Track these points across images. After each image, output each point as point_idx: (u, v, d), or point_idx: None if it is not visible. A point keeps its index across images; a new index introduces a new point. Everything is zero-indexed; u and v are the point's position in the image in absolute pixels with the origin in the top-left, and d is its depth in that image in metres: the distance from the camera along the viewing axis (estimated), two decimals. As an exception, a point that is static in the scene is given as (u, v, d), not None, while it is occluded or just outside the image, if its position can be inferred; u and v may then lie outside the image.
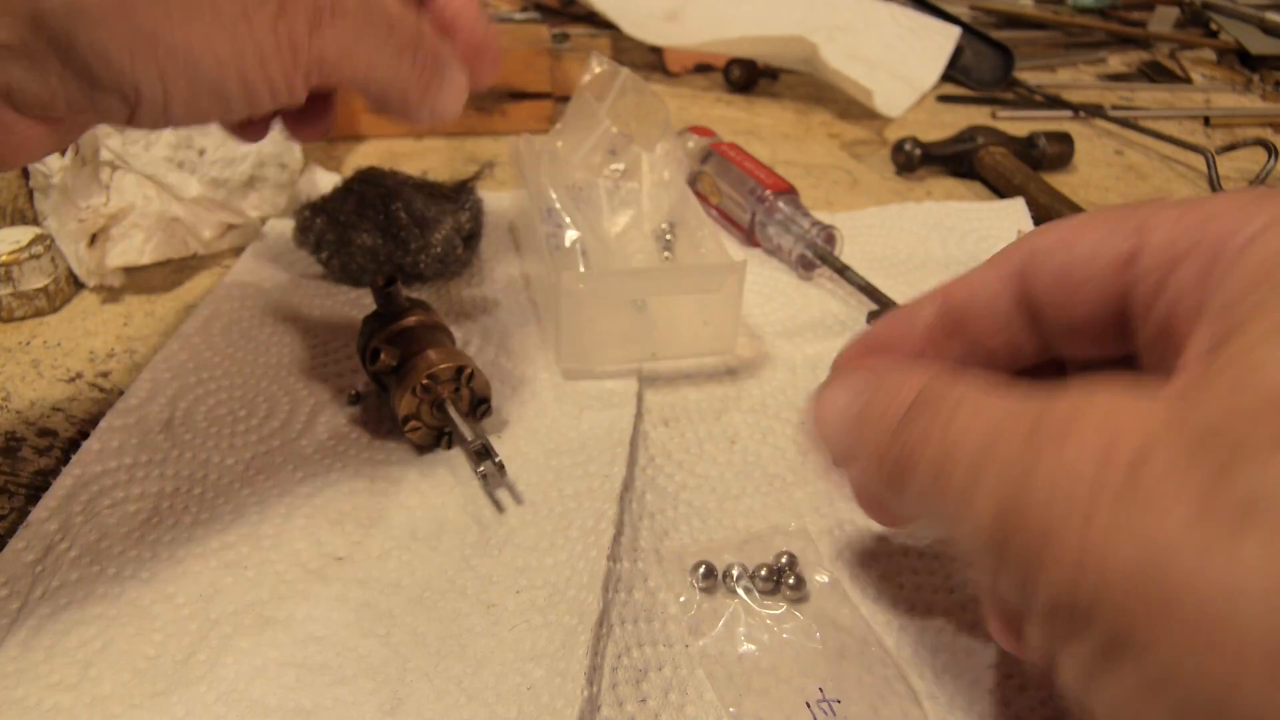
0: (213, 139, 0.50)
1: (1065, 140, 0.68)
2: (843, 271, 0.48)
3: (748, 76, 0.83)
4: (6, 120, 0.23)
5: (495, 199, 0.54)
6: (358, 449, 0.37)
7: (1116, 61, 1.01)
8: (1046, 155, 0.67)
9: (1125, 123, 0.78)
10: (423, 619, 0.29)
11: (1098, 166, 0.71)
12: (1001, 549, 0.18)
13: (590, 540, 0.32)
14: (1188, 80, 0.95)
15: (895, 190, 0.64)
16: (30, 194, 0.48)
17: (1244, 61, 0.99)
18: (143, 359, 0.42)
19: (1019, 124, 0.76)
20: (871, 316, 0.46)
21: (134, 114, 0.24)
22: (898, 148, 0.66)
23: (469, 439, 0.34)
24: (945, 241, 0.55)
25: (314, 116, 0.32)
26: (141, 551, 0.31)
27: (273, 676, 0.27)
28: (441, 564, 0.31)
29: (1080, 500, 0.16)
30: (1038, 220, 0.58)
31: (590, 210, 0.47)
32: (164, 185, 0.46)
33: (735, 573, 0.31)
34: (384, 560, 0.32)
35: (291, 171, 0.53)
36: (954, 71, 0.87)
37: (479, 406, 0.37)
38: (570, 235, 0.42)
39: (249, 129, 0.32)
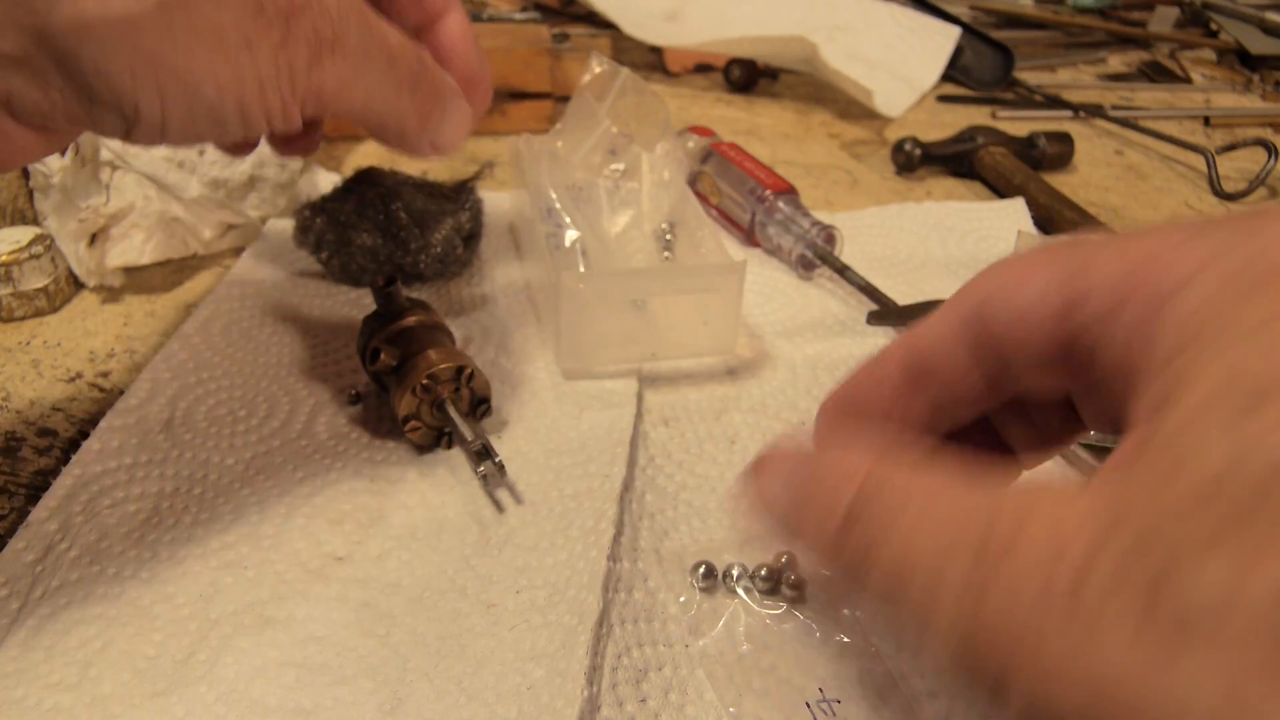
0: (213, 139, 0.49)
1: (1065, 140, 0.68)
2: (843, 271, 0.48)
3: (748, 76, 0.83)
4: (4, 127, 0.23)
5: (495, 199, 0.54)
6: (358, 449, 0.37)
7: (1116, 61, 1.01)
8: (1046, 155, 0.67)
9: (1125, 123, 0.78)
10: (423, 619, 0.29)
11: (1098, 166, 0.71)
12: (967, 670, 0.18)
13: (590, 540, 0.32)
14: (1188, 80, 0.95)
15: (895, 190, 0.64)
16: (30, 194, 0.48)
17: (1244, 61, 0.99)
18: (143, 359, 0.42)
19: (1019, 124, 0.76)
20: (871, 316, 0.46)
21: (131, 131, 0.24)
22: (898, 148, 0.66)
23: (469, 439, 0.34)
24: (945, 241, 0.55)
25: (302, 136, 0.33)
26: (141, 551, 0.31)
27: (273, 676, 0.27)
28: (441, 564, 0.31)
29: (1030, 629, 0.16)
30: (1038, 220, 0.58)
31: (590, 210, 0.47)
32: (164, 185, 0.46)
33: (735, 573, 0.31)
34: (384, 560, 0.32)
35: (291, 171, 0.53)
36: (954, 71, 0.87)
37: (479, 406, 0.37)
38: (570, 235, 0.42)
39: (238, 146, 0.33)
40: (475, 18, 0.85)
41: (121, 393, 0.38)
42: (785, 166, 0.67)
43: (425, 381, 0.35)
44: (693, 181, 0.57)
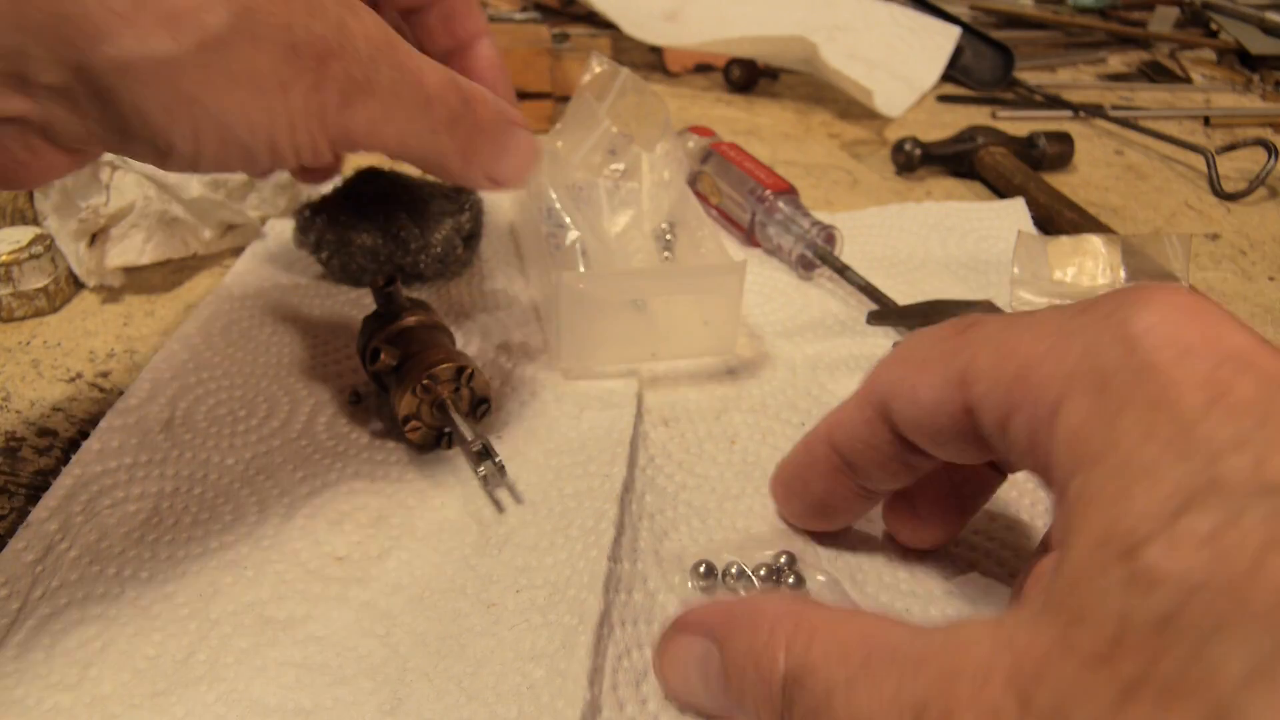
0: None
1: (1065, 140, 0.68)
2: (843, 271, 0.48)
3: (748, 76, 0.83)
4: (38, 149, 0.24)
5: (495, 199, 0.54)
6: (358, 449, 0.37)
7: (1116, 61, 1.01)
8: (1046, 155, 0.67)
9: (1125, 123, 0.78)
10: (423, 619, 0.29)
11: (1098, 166, 0.71)
12: None
13: (590, 540, 0.32)
14: (1188, 80, 0.95)
15: (895, 190, 0.64)
16: (30, 194, 0.48)
17: (1244, 61, 0.99)
18: (143, 359, 0.42)
19: (1019, 124, 0.76)
20: (871, 316, 0.46)
21: (163, 162, 0.25)
22: (898, 148, 0.66)
23: (469, 439, 0.34)
24: (945, 241, 0.55)
25: (319, 166, 0.33)
26: (141, 551, 0.31)
27: (273, 676, 0.27)
28: (441, 564, 0.31)
29: None
30: (1038, 220, 0.58)
31: (590, 210, 0.47)
32: (164, 185, 0.46)
33: (734, 571, 0.31)
34: (384, 560, 0.32)
35: (291, 171, 0.53)
36: (954, 71, 0.87)
37: (479, 406, 0.37)
38: (570, 235, 0.42)
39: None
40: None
41: (121, 393, 0.38)
42: (785, 166, 0.67)
43: (425, 381, 0.35)
44: (693, 181, 0.57)
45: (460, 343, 0.43)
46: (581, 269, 0.42)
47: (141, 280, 0.48)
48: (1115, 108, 0.82)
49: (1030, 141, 0.68)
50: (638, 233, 0.47)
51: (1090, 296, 0.22)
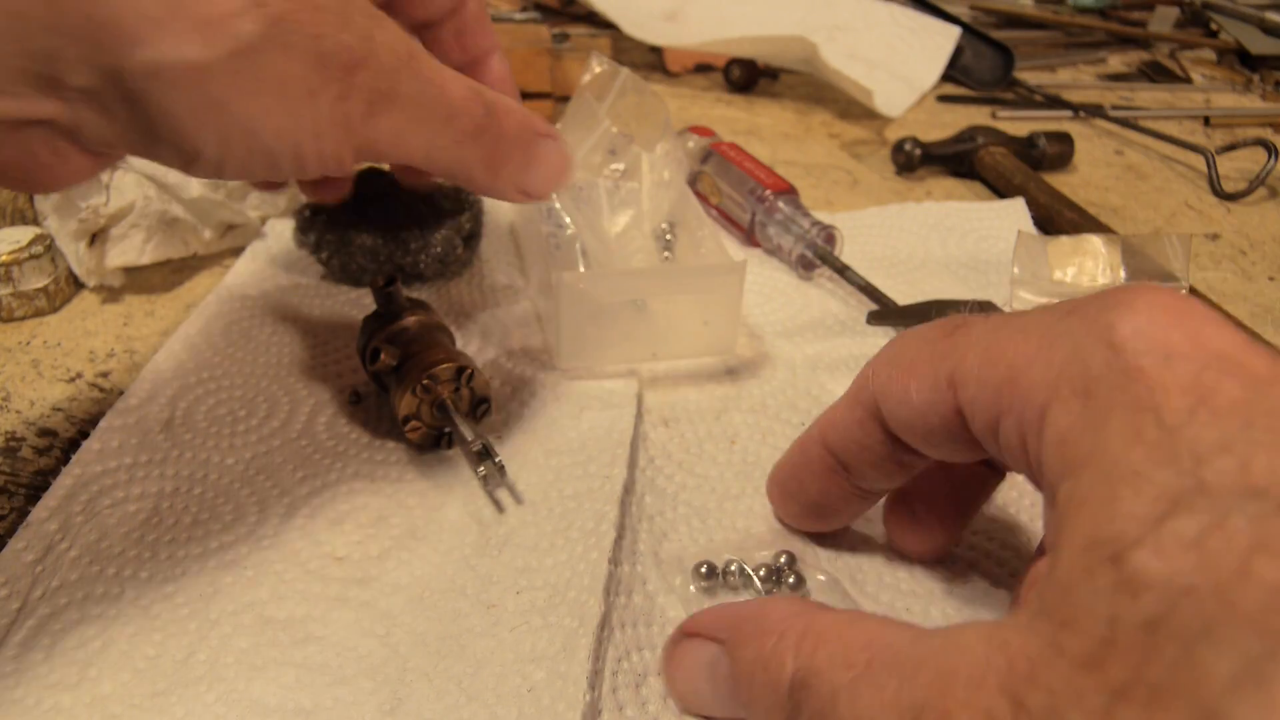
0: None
1: (1065, 140, 0.68)
2: (843, 271, 0.48)
3: (748, 76, 0.83)
4: (64, 152, 0.24)
5: (495, 199, 0.54)
6: (358, 449, 0.37)
7: (1116, 61, 1.01)
8: (1046, 155, 0.67)
9: (1125, 123, 0.78)
10: (423, 619, 0.29)
11: (1098, 166, 0.71)
12: None
13: (591, 542, 0.32)
14: (1188, 80, 0.95)
15: (895, 190, 0.64)
16: (30, 194, 0.48)
17: (1244, 61, 0.99)
18: (143, 359, 0.42)
19: (1019, 124, 0.76)
20: (871, 316, 0.46)
21: (188, 166, 0.25)
22: (898, 148, 0.66)
23: (469, 439, 0.34)
24: (945, 241, 0.55)
25: (333, 181, 0.34)
26: (141, 551, 0.31)
27: (273, 676, 0.27)
28: (441, 564, 0.31)
29: None
30: (1038, 220, 0.58)
31: (590, 210, 0.47)
32: (164, 185, 0.46)
33: (735, 570, 0.31)
34: (384, 560, 0.32)
35: (291, 171, 0.53)
36: (954, 71, 0.87)
37: (479, 406, 0.37)
38: (570, 235, 0.42)
39: (270, 183, 0.33)
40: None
41: (121, 393, 0.38)
42: (785, 166, 0.67)
43: (425, 381, 0.35)
44: (693, 181, 0.57)
45: (460, 343, 0.43)
46: (581, 269, 0.42)
47: (141, 280, 0.48)
48: (1115, 108, 0.82)
49: (1030, 141, 0.68)
50: (638, 233, 0.47)
51: (1079, 296, 0.22)
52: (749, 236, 0.53)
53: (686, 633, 0.26)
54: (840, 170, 0.67)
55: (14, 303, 0.44)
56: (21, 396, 0.39)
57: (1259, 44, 0.98)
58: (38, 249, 0.44)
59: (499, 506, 0.34)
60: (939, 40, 0.87)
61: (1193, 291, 0.50)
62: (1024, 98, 0.85)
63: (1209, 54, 1.04)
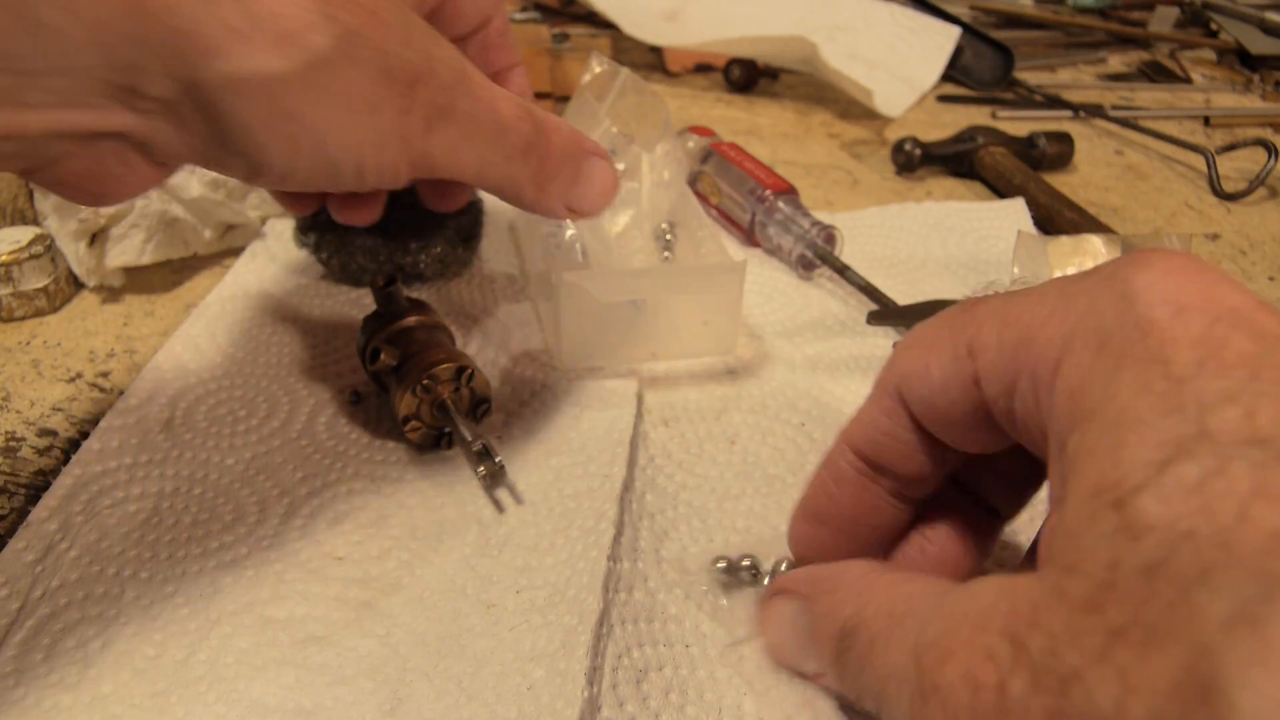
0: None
1: (1065, 140, 0.68)
2: (843, 271, 0.48)
3: (748, 76, 0.83)
4: (133, 163, 0.24)
5: (496, 199, 0.54)
6: (358, 449, 0.37)
7: (1116, 61, 1.01)
8: (1046, 155, 0.67)
9: (1125, 123, 0.78)
10: (423, 619, 0.29)
11: (1098, 166, 0.71)
12: None
13: (590, 540, 0.32)
14: (1188, 80, 0.95)
15: (895, 190, 0.64)
16: (30, 194, 0.48)
17: (1244, 61, 0.99)
18: (143, 359, 0.42)
19: (1019, 124, 0.76)
20: (871, 316, 0.46)
21: (254, 177, 0.25)
22: (898, 148, 0.66)
23: (469, 439, 0.34)
24: (945, 241, 0.55)
25: (366, 200, 0.34)
26: (141, 551, 0.31)
27: (273, 676, 0.27)
28: (441, 564, 0.31)
29: None
30: (1038, 220, 0.58)
31: (590, 210, 0.47)
32: (164, 185, 0.46)
33: (745, 564, 0.31)
34: (384, 560, 0.32)
35: (291, 171, 0.53)
36: (954, 71, 0.87)
37: (479, 406, 0.37)
38: (570, 235, 0.42)
39: (300, 202, 0.35)
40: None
41: (121, 393, 0.38)
42: (785, 166, 0.67)
43: (425, 381, 0.35)
44: (693, 181, 0.57)
45: (460, 343, 0.43)
46: (582, 269, 0.42)
47: (141, 280, 0.48)
48: (1115, 108, 0.82)
49: (1030, 141, 0.68)
50: (638, 233, 0.47)
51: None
52: (749, 236, 0.53)
53: (776, 589, 0.28)
54: (840, 170, 0.67)
55: (14, 303, 0.44)
56: (21, 396, 0.39)
57: (1259, 44, 0.98)
58: (38, 249, 0.44)
59: (499, 506, 0.34)
60: (939, 40, 0.87)
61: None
62: (1024, 98, 0.85)
63: (1209, 54, 1.04)
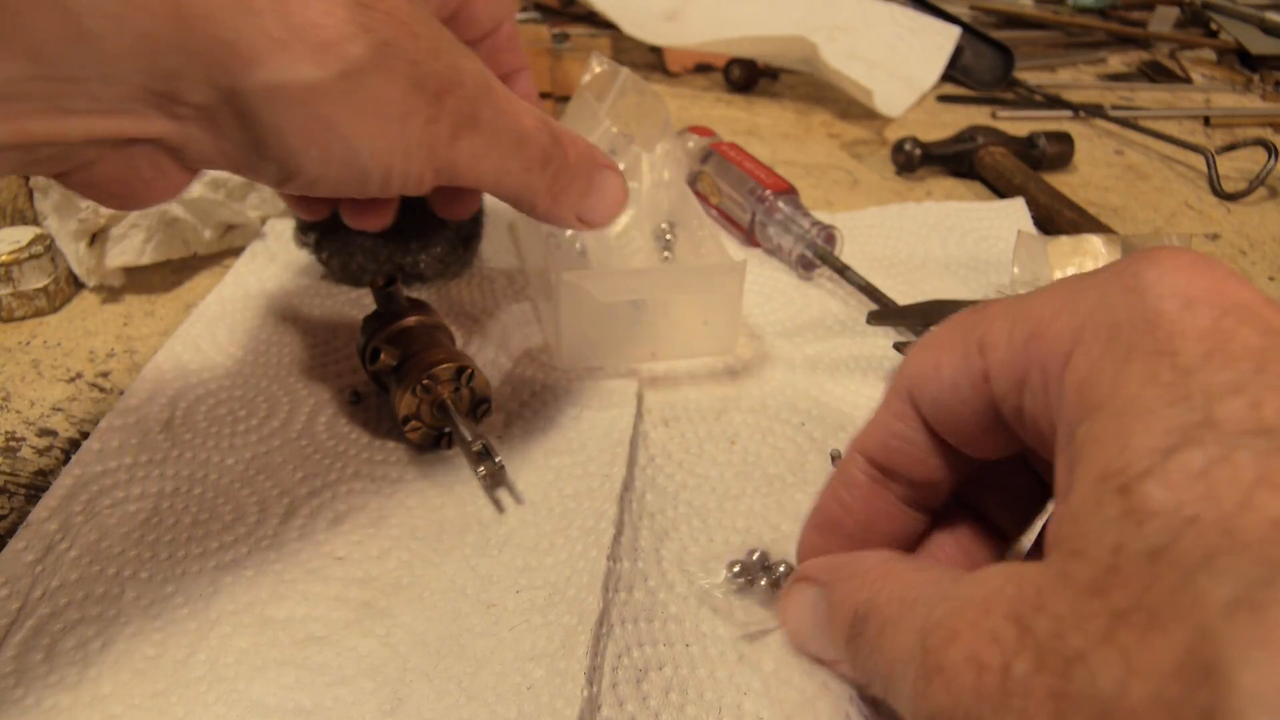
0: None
1: (1065, 140, 0.68)
2: (843, 271, 0.48)
3: (748, 76, 0.83)
4: (166, 168, 0.25)
5: (495, 199, 0.54)
6: (358, 449, 0.37)
7: (1116, 61, 1.01)
8: (1046, 155, 0.67)
9: (1125, 123, 0.78)
10: (423, 619, 0.29)
11: (1098, 166, 0.71)
12: None
13: (590, 540, 0.32)
14: (1188, 80, 0.95)
15: (895, 190, 0.64)
16: (30, 194, 0.48)
17: (1244, 61, 0.99)
18: (143, 359, 0.42)
19: (1019, 124, 0.76)
20: (871, 316, 0.46)
21: (285, 182, 0.26)
22: (898, 148, 0.66)
23: (469, 439, 0.34)
24: (945, 241, 0.55)
25: (379, 207, 0.35)
26: (141, 551, 0.31)
27: (273, 676, 0.27)
28: (441, 564, 0.31)
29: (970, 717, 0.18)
30: (1038, 220, 0.58)
31: (590, 210, 0.47)
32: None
33: (756, 558, 0.31)
34: (384, 560, 0.32)
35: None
36: (954, 71, 0.87)
37: (479, 406, 0.37)
38: (569, 234, 0.42)
39: (313, 207, 0.35)
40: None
41: (121, 393, 0.38)
42: (785, 166, 0.67)
43: (425, 381, 0.35)
44: (693, 181, 0.57)
45: (460, 343, 0.43)
46: (582, 269, 0.42)
47: (141, 280, 0.48)
48: (1115, 108, 0.82)
49: (1030, 141, 0.68)
50: (638, 233, 0.47)
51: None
52: (749, 236, 0.53)
53: (799, 577, 0.28)
54: (840, 170, 0.67)
55: (14, 303, 0.44)
56: (21, 396, 0.39)
57: (1259, 44, 0.98)
58: (38, 249, 0.44)
59: (499, 506, 0.34)
60: (939, 40, 0.87)
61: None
62: (1024, 98, 0.85)
63: (1209, 54, 1.04)
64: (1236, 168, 0.69)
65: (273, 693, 0.27)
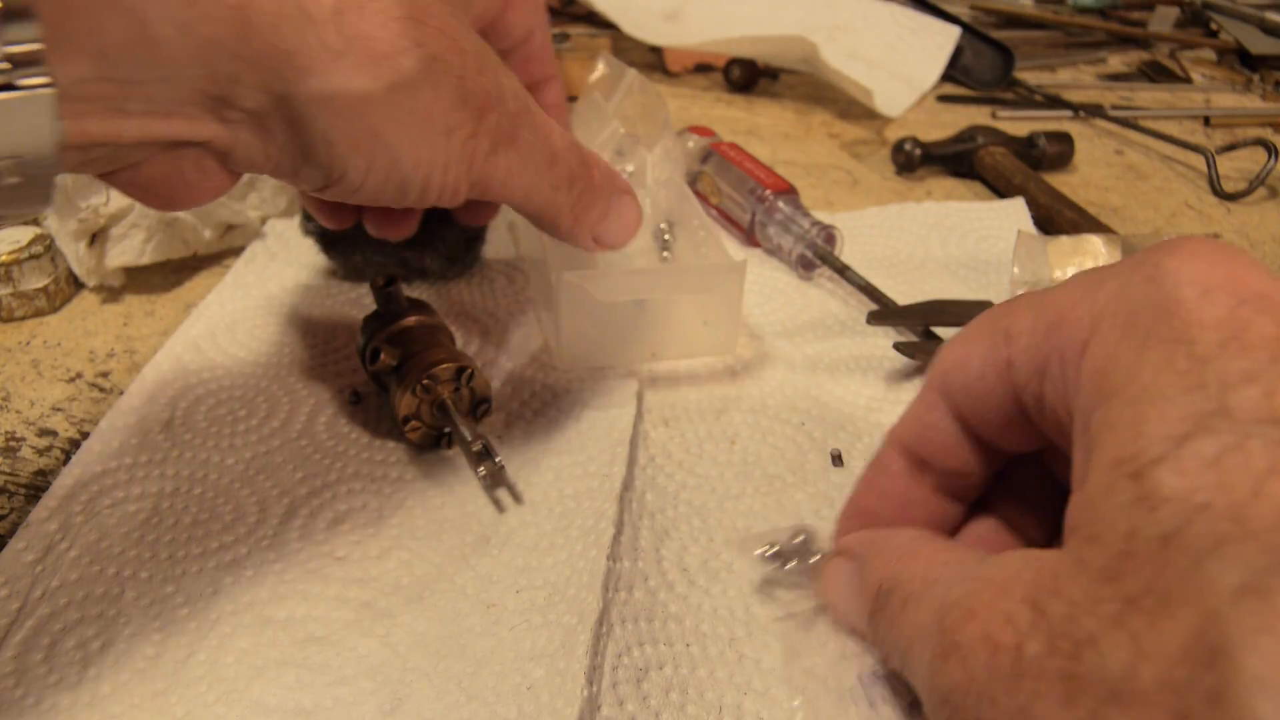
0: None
1: (1065, 140, 0.68)
2: (843, 271, 0.48)
3: (748, 76, 0.83)
4: (210, 171, 0.25)
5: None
6: (358, 449, 0.37)
7: (1116, 61, 1.01)
8: (1046, 155, 0.67)
9: (1125, 123, 0.78)
10: (423, 619, 0.29)
11: (1098, 166, 0.71)
12: None
13: (590, 540, 0.32)
14: (1188, 80, 0.95)
15: (895, 190, 0.64)
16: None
17: (1244, 61, 0.99)
18: (143, 359, 0.42)
19: (1019, 124, 0.76)
20: (871, 316, 0.46)
21: (327, 189, 0.26)
22: (898, 148, 0.66)
23: (469, 439, 0.34)
24: (945, 241, 0.55)
25: (404, 217, 0.36)
26: (141, 551, 0.31)
27: (273, 676, 0.27)
28: (441, 564, 0.31)
29: (983, 698, 0.19)
30: (1038, 220, 0.58)
31: (590, 210, 0.46)
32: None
33: (800, 540, 0.31)
34: (384, 560, 0.32)
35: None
36: (954, 71, 0.87)
37: (479, 406, 0.37)
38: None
39: (339, 214, 0.36)
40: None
41: (121, 393, 0.38)
42: (785, 166, 0.67)
43: (425, 381, 0.35)
44: (693, 181, 0.57)
45: (460, 343, 0.43)
46: (581, 269, 0.42)
47: (141, 280, 0.48)
48: (1115, 108, 0.82)
49: (1030, 141, 0.68)
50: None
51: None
52: (749, 236, 0.53)
53: (837, 552, 0.28)
54: (840, 170, 0.67)
55: (14, 303, 0.44)
56: (21, 396, 0.39)
57: (1259, 44, 0.98)
58: (38, 249, 0.44)
59: (499, 506, 0.34)
60: (939, 40, 0.87)
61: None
62: (1024, 98, 0.85)
63: (1209, 54, 1.04)
64: (1236, 168, 0.69)
65: (273, 693, 0.27)
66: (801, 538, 0.31)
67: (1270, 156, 0.66)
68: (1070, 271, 0.47)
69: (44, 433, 0.37)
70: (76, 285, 0.47)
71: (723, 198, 0.55)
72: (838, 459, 0.37)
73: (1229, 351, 0.18)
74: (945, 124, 0.77)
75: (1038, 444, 0.25)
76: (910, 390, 0.41)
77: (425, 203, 0.28)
